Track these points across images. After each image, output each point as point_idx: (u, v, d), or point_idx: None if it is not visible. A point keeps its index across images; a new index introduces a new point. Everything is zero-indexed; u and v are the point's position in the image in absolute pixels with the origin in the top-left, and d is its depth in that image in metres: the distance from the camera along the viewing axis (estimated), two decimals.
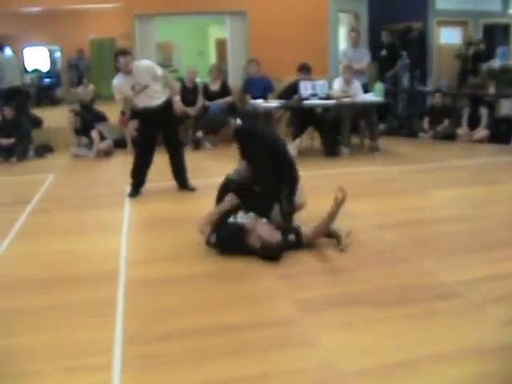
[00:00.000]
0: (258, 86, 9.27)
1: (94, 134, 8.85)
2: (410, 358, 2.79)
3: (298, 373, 2.73)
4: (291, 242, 4.28)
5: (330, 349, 2.92)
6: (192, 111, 9.37)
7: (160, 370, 2.78)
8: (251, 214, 4.33)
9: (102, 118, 9.74)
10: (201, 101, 9.49)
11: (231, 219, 4.36)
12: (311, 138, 9.00)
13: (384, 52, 10.78)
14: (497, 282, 3.67)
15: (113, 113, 9.72)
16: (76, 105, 10.04)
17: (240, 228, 4.23)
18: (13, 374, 2.81)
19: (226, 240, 4.27)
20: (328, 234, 4.45)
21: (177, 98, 6.57)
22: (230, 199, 4.44)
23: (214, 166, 7.51)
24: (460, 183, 6.36)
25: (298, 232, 4.33)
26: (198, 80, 9.94)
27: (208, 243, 4.32)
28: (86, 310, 3.47)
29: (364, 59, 9.34)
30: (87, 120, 9.07)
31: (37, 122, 9.71)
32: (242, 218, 4.35)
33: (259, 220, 4.25)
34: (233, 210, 4.40)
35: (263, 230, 4.13)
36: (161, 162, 8.59)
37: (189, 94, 9.52)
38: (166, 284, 3.85)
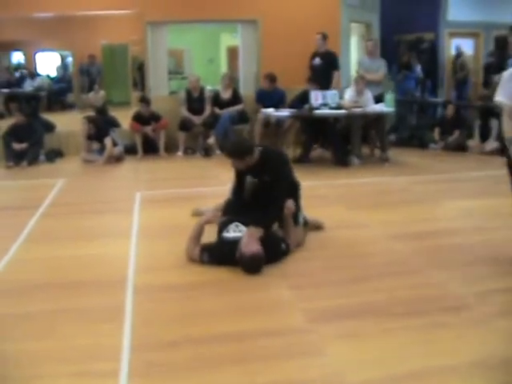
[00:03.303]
0: (272, 98, 9.24)
1: (108, 140, 8.85)
2: (419, 370, 2.77)
3: (305, 383, 2.71)
4: (283, 251, 4.32)
5: (338, 359, 2.90)
6: (198, 119, 9.39)
7: (167, 377, 2.77)
8: (243, 228, 4.32)
9: (115, 124, 9.78)
10: (208, 109, 9.50)
11: (224, 233, 4.36)
12: (321, 148, 9.00)
13: (318, 60, 9.33)
14: (508, 295, 3.63)
15: (124, 119, 9.76)
16: (91, 111, 10.10)
17: (233, 244, 4.19)
18: (21, 378, 2.80)
19: (220, 259, 4.23)
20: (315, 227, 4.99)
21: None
22: (208, 214, 4.57)
23: (225, 174, 7.48)
24: (472, 195, 6.33)
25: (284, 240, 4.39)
26: (208, 87, 9.96)
27: (202, 262, 4.27)
28: (94, 316, 3.47)
29: (380, 70, 9.29)
30: (101, 126, 9.09)
31: (50, 127, 9.75)
32: (234, 231, 4.34)
33: (248, 230, 4.25)
34: (223, 224, 4.43)
35: (242, 240, 4.12)
36: (169, 169, 8.60)
37: (195, 102, 9.53)
38: (175, 291, 3.84)
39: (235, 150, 4.49)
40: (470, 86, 11.78)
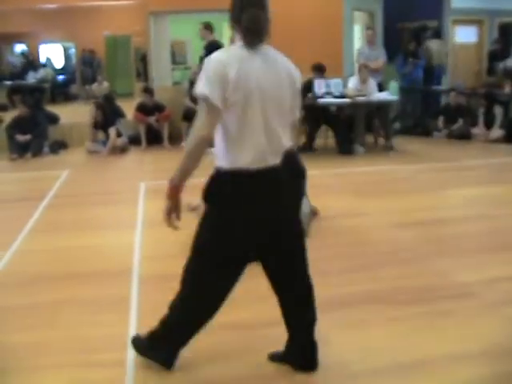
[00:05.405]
0: None
1: (112, 131, 8.85)
2: (425, 358, 2.77)
3: (311, 372, 2.71)
4: None
5: (343, 347, 2.90)
6: None
7: None
8: None
9: (121, 114, 9.78)
10: None
11: None
12: (325, 137, 8.98)
13: (202, 53, 8.52)
14: None
15: (128, 109, 9.75)
16: (100, 98, 10.11)
17: None
18: (27, 368, 2.82)
19: None
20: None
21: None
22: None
23: None
24: (476, 183, 6.31)
25: None
26: None
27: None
28: (99, 306, 3.48)
29: (380, 58, 9.29)
30: (108, 115, 9.08)
31: (53, 119, 9.75)
32: None
33: None
34: None
35: None
36: (173, 159, 8.58)
37: None
38: (180, 281, 3.84)
39: None
40: (440, 76, 11.27)
